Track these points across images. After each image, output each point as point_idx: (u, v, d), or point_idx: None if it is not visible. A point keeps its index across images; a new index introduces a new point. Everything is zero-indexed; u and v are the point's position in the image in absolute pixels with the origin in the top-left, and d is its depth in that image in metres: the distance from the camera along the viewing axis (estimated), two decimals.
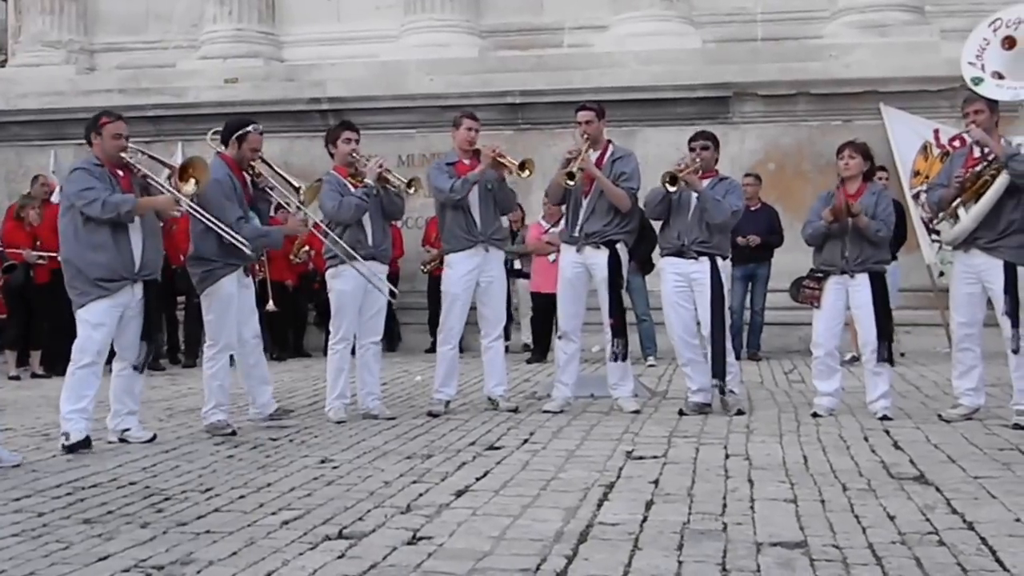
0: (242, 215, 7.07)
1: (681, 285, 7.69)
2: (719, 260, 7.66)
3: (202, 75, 14.60)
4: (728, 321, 7.80)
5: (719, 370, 7.57)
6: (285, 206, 7.54)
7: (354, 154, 7.77)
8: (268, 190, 7.36)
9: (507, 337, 12.63)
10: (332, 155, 7.92)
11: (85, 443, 6.37)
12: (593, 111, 7.92)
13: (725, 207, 7.60)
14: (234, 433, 6.97)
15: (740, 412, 7.54)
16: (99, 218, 6.42)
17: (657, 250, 8.61)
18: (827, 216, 7.35)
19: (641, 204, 7.96)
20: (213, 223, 6.83)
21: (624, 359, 7.87)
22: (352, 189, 7.69)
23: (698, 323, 7.68)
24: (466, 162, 7.98)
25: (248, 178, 7.30)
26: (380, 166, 7.71)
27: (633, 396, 7.92)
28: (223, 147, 7.33)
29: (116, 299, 6.52)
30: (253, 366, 7.49)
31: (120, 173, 6.63)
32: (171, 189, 6.74)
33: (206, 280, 7.12)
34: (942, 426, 6.95)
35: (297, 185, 7.45)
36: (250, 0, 14.99)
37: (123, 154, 6.62)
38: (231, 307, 7.15)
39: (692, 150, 7.76)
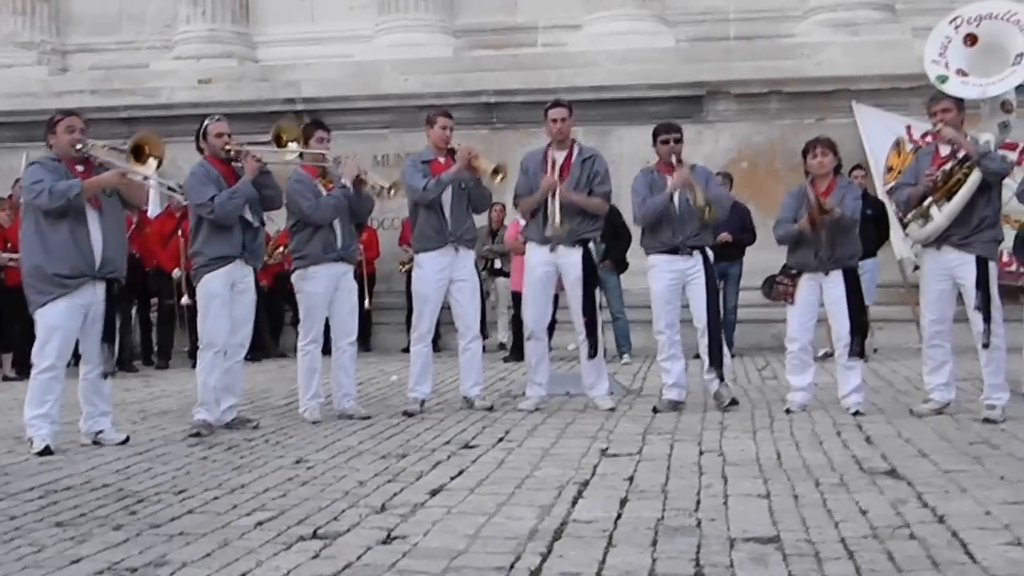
0: (216, 193, 7.04)
1: (675, 283, 7.74)
2: (709, 252, 7.76)
3: (176, 76, 14.55)
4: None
5: (717, 360, 7.67)
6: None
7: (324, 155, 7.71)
8: (251, 158, 7.26)
9: (485, 336, 12.67)
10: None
11: (46, 451, 6.30)
12: (567, 108, 7.95)
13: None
14: (199, 435, 6.93)
15: (735, 402, 7.61)
16: (51, 208, 6.35)
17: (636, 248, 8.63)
18: (805, 226, 7.39)
19: (638, 214, 7.93)
20: (150, 180, 6.87)
21: (596, 355, 7.89)
22: (323, 189, 7.68)
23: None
24: (441, 160, 7.98)
25: (233, 166, 7.27)
26: (358, 168, 7.69)
27: (608, 394, 7.94)
28: (201, 152, 7.36)
29: (76, 298, 6.45)
30: (225, 372, 7.34)
31: (80, 168, 6.59)
32: (130, 168, 6.65)
33: (196, 276, 7.19)
34: (914, 421, 7.00)
35: (265, 140, 7.48)
36: (224, 0, 14.95)
37: (79, 147, 6.56)
38: (213, 304, 7.11)
39: (666, 143, 7.78)
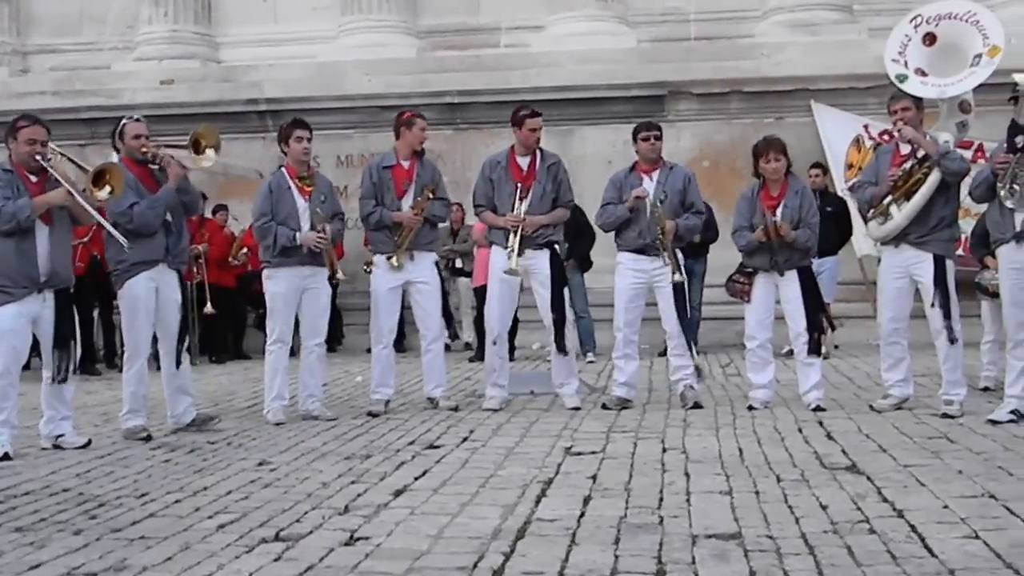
0: (136, 201, 6.94)
1: (639, 282, 7.78)
2: (678, 253, 7.80)
3: (137, 77, 14.47)
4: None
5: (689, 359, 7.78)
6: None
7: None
8: (175, 165, 7.14)
9: (454, 337, 12.67)
10: (285, 153, 7.86)
11: (4, 457, 6.23)
12: (540, 116, 7.98)
13: (694, 226, 7.87)
14: (149, 438, 6.89)
15: (698, 405, 7.64)
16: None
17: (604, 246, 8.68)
18: (759, 236, 7.45)
19: (599, 223, 8.07)
20: (94, 215, 6.67)
21: (563, 351, 7.92)
22: (296, 190, 7.65)
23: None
24: (404, 164, 7.97)
25: (150, 169, 7.16)
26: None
27: (576, 393, 7.96)
28: (117, 152, 7.28)
29: (22, 306, 6.38)
30: (172, 374, 7.24)
31: (33, 178, 6.52)
32: (72, 189, 6.53)
33: (116, 282, 7.08)
34: (873, 416, 7.08)
35: (185, 144, 7.30)
36: (186, 1, 14.90)
37: (38, 159, 6.50)
38: (139, 311, 7.01)
39: (646, 140, 7.81)
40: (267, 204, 7.63)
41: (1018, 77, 6.51)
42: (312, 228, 7.62)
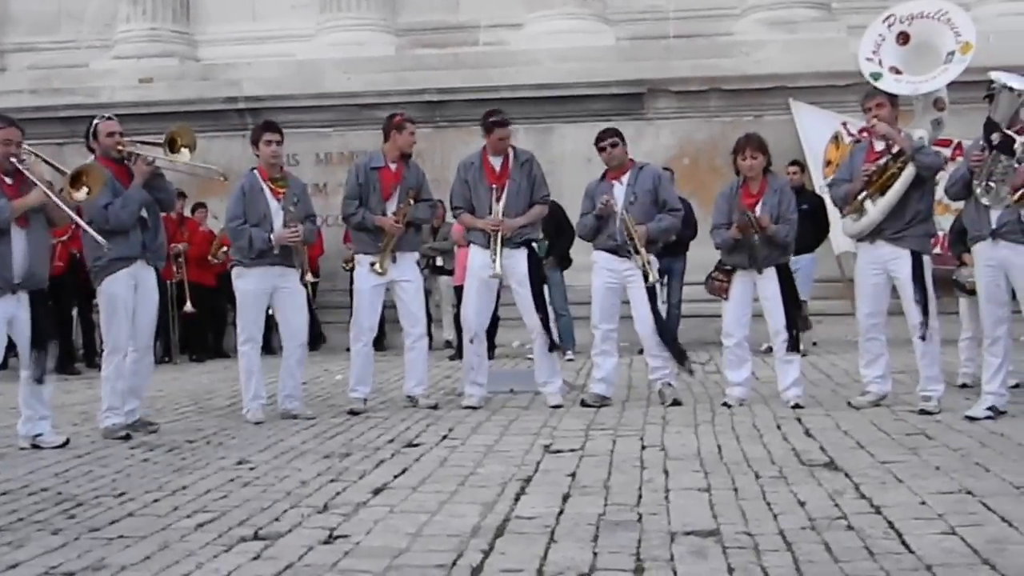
0: (110, 201, 6.91)
1: (612, 281, 7.80)
2: (651, 257, 7.81)
3: (116, 75, 14.40)
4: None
5: (679, 355, 7.81)
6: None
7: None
8: (140, 162, 7.10)
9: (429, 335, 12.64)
10: (258, 156, 7.84)
11: None
12: (509, 124, 7.98)
13: (670, 226, 7.89)
14: (128, 437, 6.85)
15: (676, 402, 7.65)
16: None
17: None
18: (735, 234, 7.48)
19: (578, 234, 8.21)
20: (71, 216, 6.70)
21: (553, 350, 7.95)
22: (268, 192, 7.63)
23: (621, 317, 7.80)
24: (392, 167, 7.96)
25: (126, 167, 7.13)
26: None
27: (559, 392, 7.96)
28: (91, 152, 7.23)
29: None
30: (133, 373, 7.18)
31: (8, 180, 6.50)
32: (47, 191, 6.55)
33: (96, 280, 7.06)
34: (851, 413, 7.11)
35: (160, 141, 7.24)
36: None
37: (13, 160, 6.47)
38: (118, 308, 6.98)
39: (603, 149, 7.86)
40: (240, 207, 7.61)
41: (994, 75, 6.55)
42: (285, 228, 7.61)
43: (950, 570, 3.62)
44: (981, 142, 6.70)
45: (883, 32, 7.57)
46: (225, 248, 11.93)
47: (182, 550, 4.12)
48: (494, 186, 7.79)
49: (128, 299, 7.00)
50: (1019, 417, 6.67)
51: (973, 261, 8.06)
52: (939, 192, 7.85)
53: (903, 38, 7.51)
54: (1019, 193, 6.07)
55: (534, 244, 7.98)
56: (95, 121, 7.20)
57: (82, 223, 6.71)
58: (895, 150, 7.19)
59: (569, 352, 11.34)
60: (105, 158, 7.10)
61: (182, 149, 7.29)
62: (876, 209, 7.20)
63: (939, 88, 7.39)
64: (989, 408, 6.70)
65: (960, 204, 7.29)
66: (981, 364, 7.18)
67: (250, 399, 7.57)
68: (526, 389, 8.37)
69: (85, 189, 6.56)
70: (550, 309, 8.10)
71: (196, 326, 12.60)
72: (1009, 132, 6.33)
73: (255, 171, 7.75)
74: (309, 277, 7.77)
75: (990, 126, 6.42)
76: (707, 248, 8.97)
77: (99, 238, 6.62)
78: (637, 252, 7.61)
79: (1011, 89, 6.39)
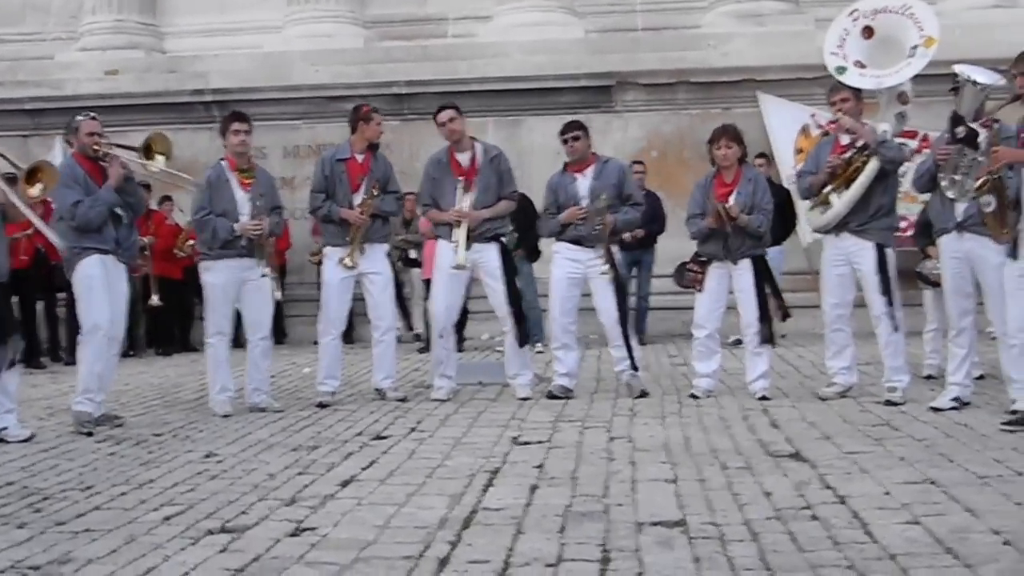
0: (80, 199, 6.88)
1: (575, 272, 7.79)
2: (613, 247, 7.82)
3: (81, 67, 14.29)
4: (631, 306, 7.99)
5: (627, 352, 7.77)
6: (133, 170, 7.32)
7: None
8: (116, 166, 7.08)
9: (410, 328, 12.65)
10: (226, 147, 7.80)
11: None
12: (453, 108, 7.93)
13: (633, 219, 7.94)
14: (91, 434, 6.77)
15: (644, 394, 7.67)
16: None
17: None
18: (710, 223, 7.51)
19: (540, 232, 8.24)
20: (27, 214, 6.67)
21: (525, 343, 7.95)
22: (235, 183, 7.60)
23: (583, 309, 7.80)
24: (359, 158, 7.94)
25: (100, 167, 7.10)
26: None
27: (528, 384, 7.96)
28: (70, 146, 7.24)
29: None
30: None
31: None
32: (5, 187, 6.55)
33: (69, 268, 7.01)
34: (818, 404, 7.16)
35: (136, 146, 7.29)
36: None
37: None
38: (94, 286, 6.92)
39: (566, 142, 7.86)
40: (206, 197, 7.58)
41: (958, 69, 6.60)
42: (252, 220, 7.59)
43: (913, 559, 3.66)
44: (947, 135, 6.76)
45: (848, 26, 7.63)
46: (191, 242, 11.84)
47: (149, 543, 4.10)
48: (460, 179, 7.78)
49: (103, 279, 6.96)
50: (983, 408, 6.74)
51: (938, 254, 8.17)
52: (907, 183, 7.92)
53: (868, 32, 7.57)
54: (979, 182, 6.11)
55: (503, 238, 7.98)
56: (79, 117, 7.20)
57: (37, 222, 6.70)
58: (859, 144, 7.25)
59: (539, 344, 11.37)
60: (81, 155, 7.09)
61: (157, 156, 7.30)
62: (841, 202, 7.26)
63: (903, 82, 7.45)
64: (954, 399, 6.76)
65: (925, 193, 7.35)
66: (946, 356, 7.24)
67: (217, 392, 7.55)
68: (495, 381, 8.38)
69: (40, 185, 6.55)
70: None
71: (163, 320, 12.52)
72: (973, 125, 6.39)
73: (223, 162, 7.72)
74: (267, 271, 7.69)
75: (955, 120, 6.48)
76: (676, 241, 9.05)
77: (55, 238, 6.62)
78: (602, 241, 7.62)
79: (975, 83, 6.45)
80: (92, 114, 7.31)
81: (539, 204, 8.70)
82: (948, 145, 6.63)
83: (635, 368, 7.79)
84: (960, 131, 6.43)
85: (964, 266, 6.71)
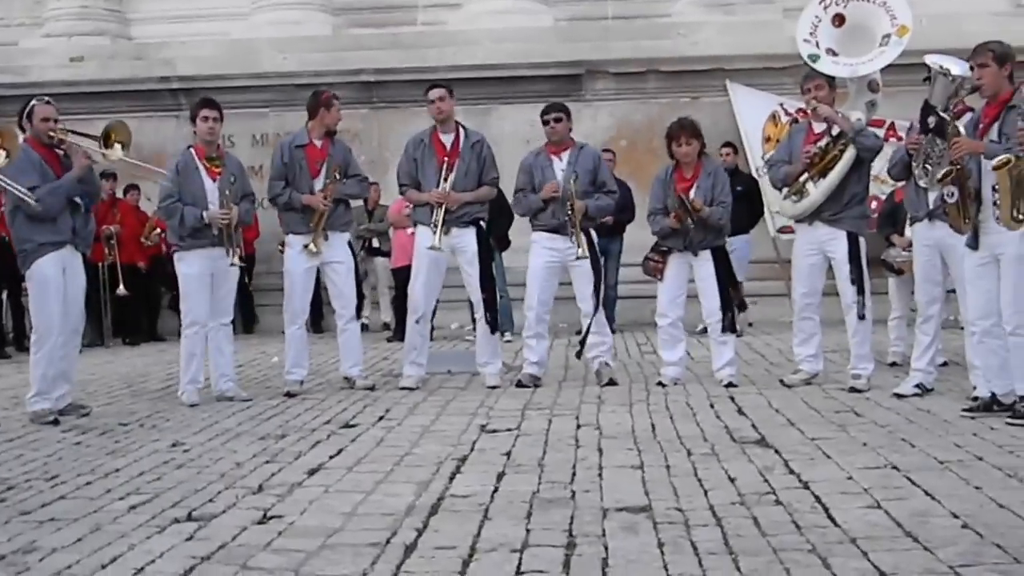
0: (38, 184, 6.81)
1: (553, 261, 7.81)
2: (593, 234, 7.87)
3: (46, 53, 14.14)
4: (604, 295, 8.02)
5: (584, 337, 7.82)
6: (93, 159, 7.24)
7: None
8: (81, 156, 7.04)
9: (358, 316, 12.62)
10: (195, 134, 7.75)
11: None
12: (445, 88, 7.95)
13: (606, 206, 7.96)
14: (56, 422, 6.73)
15: (612, 382, 7.70)
16: None
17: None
18: (673, 223, 7.54)
19: (516, 211, 8.26)
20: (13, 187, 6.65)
21: (496, 330, 7.96)
22: (204, 171, 7.56)
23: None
24: (318, 144, 7.92)
25: (56, 153, 7.03)
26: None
27: (498, 373, 7.98)
28: (23, 132, 7.12)
29: None
30: (61, 358, 7.05)
31: None
32: None
33: (24, 264, 6.95)
34: (784, 391, 7.23)
35: (97, 135, 7.23)
36: None
37: None
38: (47, 290, 6.88)
39: (547, 123, 7.86)
40: (173, 185, 7.53)
41: (930, 59, 6.63)
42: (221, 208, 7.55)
43: (874, 542, 3.70)
44: (919, 125, 6.79)
45: (819, 14, 7.66)
46: (158, 230, 11.81)
47: (114, 532, 4.10)
48: (446, 160, 7.78)
49: (58, 281, 6.91)
50: (946, 395, 6.82)
51: (901, 242, 8.25)
52: (876, 168, 7.96)
53: (838, 20, 7.61)
54: (941, 172, 6.17)
55: (482, 223, 7.98)
56: (32, 102, 7.10)
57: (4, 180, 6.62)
58: (835, 132, 7.29)
59: (508, 333, 11.39)
60: (36, 141, 7.01)
61: (115, 145, 7.24)
62: (818, 191, 7.30)
63: (876, 70, 7.50)
64: (916, 385, 6.83)
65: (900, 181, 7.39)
66: (911, 343, 7.31)
67: (187, 381, 7.51)
68: (464, 370, 8.40)
69: (3, 153, 6.52)
70: None
71: (130, 309, 12.44)
72: (944, 115, 6.42)
73: (191, 149, 7.67)
74: (236, 260, 7.66)
75: (926, 109, 6.51)
76: (644, 230, 9.03)
77: (24, 193, 6.54)
78: (573, 226, 7.64)
79: (947, 74, 6.47)
80: (47, 99, 7.20)
81: (509, 192, 8.70)
82: (920, 135, 6.67)
83: (582, 344, 7.83)
84: (931, 121, 6.47)
85: (935, 254, 6.76)
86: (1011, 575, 3.35)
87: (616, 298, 11.75)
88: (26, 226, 6.82)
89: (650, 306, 11.43)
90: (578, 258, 7.66)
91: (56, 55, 14.04)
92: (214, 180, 7.58)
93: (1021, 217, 5.72)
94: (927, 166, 6.61)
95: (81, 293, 7.17)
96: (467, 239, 7.86)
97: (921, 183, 6.71)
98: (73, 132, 7.17)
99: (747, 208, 10.90)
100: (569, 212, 7.63)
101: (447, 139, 7.89)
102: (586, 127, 12.73)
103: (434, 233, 7.70)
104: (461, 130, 7.97)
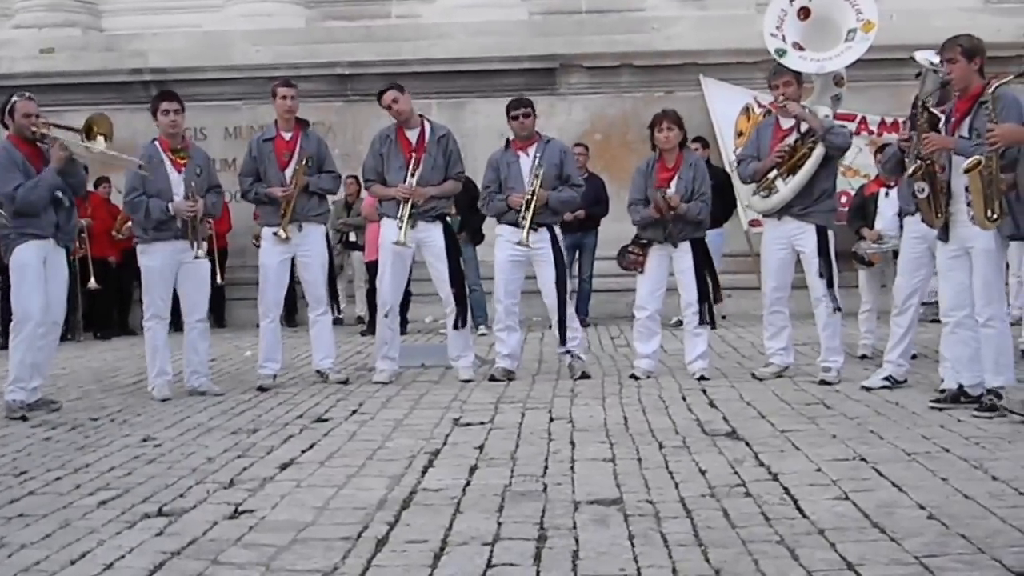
0: (22, 182, 6.80)
1: (518, 255, 7.81)
2: (556, 229, 7.86)
3: (16, 45, 14.02)
4: (573, 288, 8.01)
5: (563, 337, 7.81)
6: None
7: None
8: (58, 147, 7.00)
9: (338, 310, 12.60)
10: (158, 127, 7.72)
11: None
12: (395, 88, 7.91)
13: (570, 199, 7.94)
14: (24, 419, 6.68)
15: (585, 375, 7.72)
16: None
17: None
18: (653, 214, 7.56)
19: (483, 210, 8.27)
20: None
21: (464, 325, 7.96)
22: (169, 164, 7.52)
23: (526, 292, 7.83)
24: (286, 136, 7.91)
25: (38, 148, 7.02)
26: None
27: (471, 366, 7.98)
28: (5, 128, 7.11)
29: None
30: (39, 348, 7.01)
31: None
32: None
33: (7, 251, 6.94)
34: (755, 384, 7.27)
35: (78, 128, 7.17)
36: None
37: None
38: (28, 275, 6.85)
39: (515, 118, 7.87)
40: (138, 178, 7.46)
41: (918, 56, 6.64)
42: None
43: (842, 533, 3.74)
44: (909, 121, 6.80)
45: (785, 7, 7.67)
46: (129, 223, 11.73)
47: (84, 527, 4.08)
48: (412, 155, 7.76)
49: (38, 269, 6.88)
50: (915, 387, 6.87)
51: (871, 235, 8.31)
52: (848, 159, 7.98)
53: (804, 13, 7.61)
54: (911, 168, 6.20)
55: (448, 218, 7.99)
56: (13, 98, 7.07)
57: None
58: (803, 129, 7.33)
59: (482, 327, 11.40)
60: (18, 137, 6.98)
61: (98, 137, 7.19)
62: (788, 188, 7.34)
63: (843, 66, 7.53)
64: (886, 378, 6.89)
65: (868, 166, 7.39)
66: (880, 336, 7.36)
67: (155, 375, 7.48)
68: (437, 364, 8.40)
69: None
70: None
71: (101, 302, 12.37)
72: (934, 111, 6.44)
73: (155, 142, 7.62)
74: (200, 253, 7.60)
75: (916, 106, 6.52)
76: (618, 224, 9.11)
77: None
78: (528, 208, 7.63)
79: (936, 70, 6.49)
80: (28, 94, 7.17)
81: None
82: (911, 131, 6.68)
83: (563, 342, 7.83)
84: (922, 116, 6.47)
85: (923, 247, 6.79)
86: (975, 565, 3.39)
87: (590, 291, 11.79)
88: (10, 220, 6.80)
89: (624, 299, 11.51)
90: (519, 243, 7.64)
91: (26, 47, 13.92)
92: (179, 172, 7.53)
93: (995, 217, 5.76)
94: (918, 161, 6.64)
95: (64, 287, 7.15)
96: (434, 234, 7.86)
97: None
98: (56, 125, 7.14)
99: (719, 202, 10.88)
100: (529, 195, 7.63)
101: (412, 134, 7.87)
102: (560, 121, 12.78)
103: (400, 228, 7.69)
104: (426, 124, 7.96)
